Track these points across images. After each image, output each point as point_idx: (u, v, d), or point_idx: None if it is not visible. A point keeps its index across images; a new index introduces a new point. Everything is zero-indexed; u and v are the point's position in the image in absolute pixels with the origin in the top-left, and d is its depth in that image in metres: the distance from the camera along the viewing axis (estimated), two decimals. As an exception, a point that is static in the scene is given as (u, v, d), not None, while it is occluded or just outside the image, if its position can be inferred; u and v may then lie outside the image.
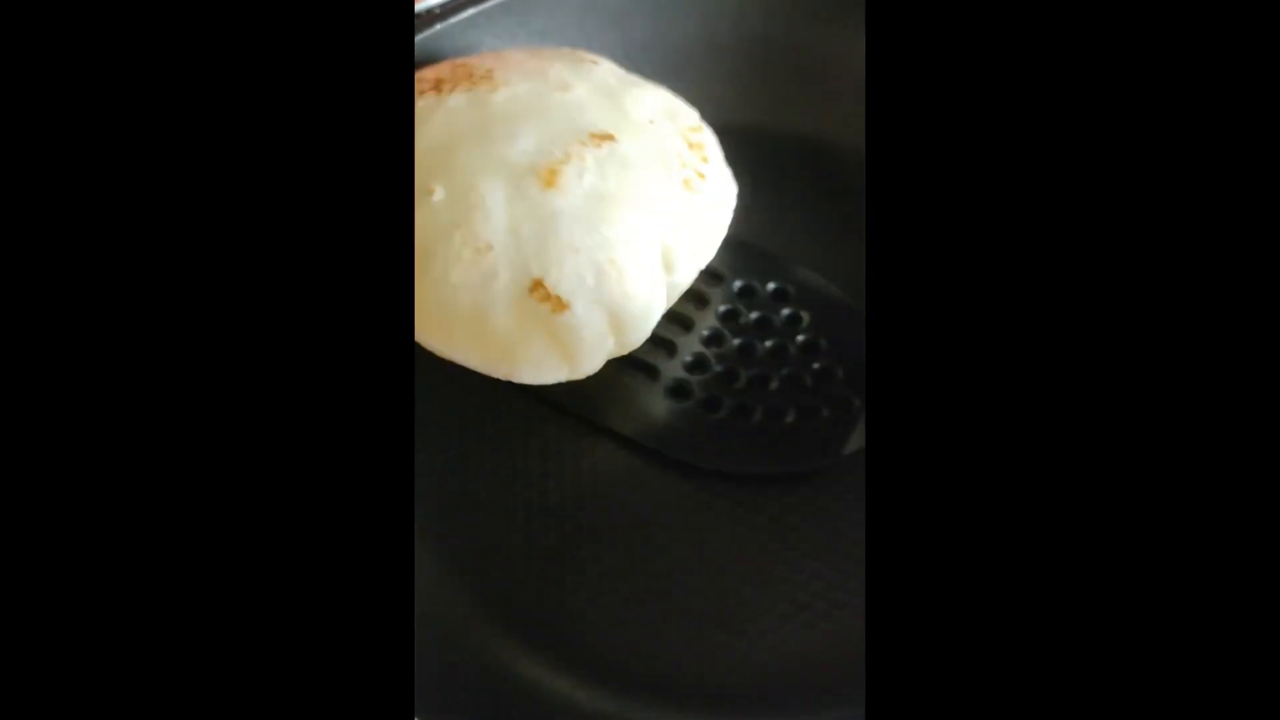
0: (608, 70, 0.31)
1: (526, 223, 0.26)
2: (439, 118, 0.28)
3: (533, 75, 0.29)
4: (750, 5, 0.37)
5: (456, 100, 0.28)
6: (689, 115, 0.31)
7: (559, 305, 0.26)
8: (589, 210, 0.26)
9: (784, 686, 0.28)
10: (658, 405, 0.31)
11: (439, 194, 0.26)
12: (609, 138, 0.27)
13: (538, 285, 0.26)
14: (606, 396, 0.31)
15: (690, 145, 0.30)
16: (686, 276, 0.28)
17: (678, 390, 0.31)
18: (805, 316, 0.33)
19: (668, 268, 0.28)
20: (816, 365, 0.32)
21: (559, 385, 0.27)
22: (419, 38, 0.33)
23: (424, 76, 0.30)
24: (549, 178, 0.26)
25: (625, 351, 0.28)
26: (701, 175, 0.29)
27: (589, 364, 0.27)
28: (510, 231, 0.26)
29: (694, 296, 0.32)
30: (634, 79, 0.31)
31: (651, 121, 0.29)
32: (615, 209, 0.26)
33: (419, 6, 0.35)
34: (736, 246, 0.32)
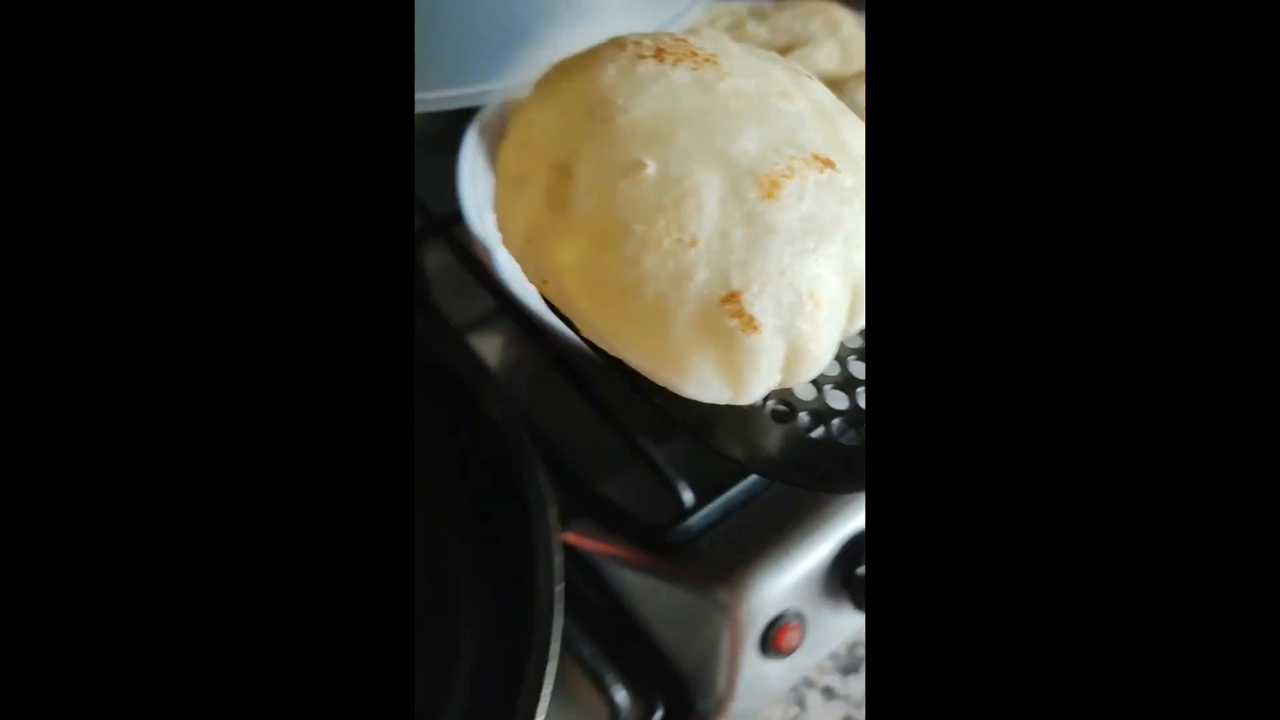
0: (821, 90, 0.29)
1: (739, 228, 0.24)
2: (660, 89, 0.26)
3: (757, 73, 0.27)
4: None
5: (680, 76, 0.26)
6: None
7: (749, 325, 0.24)
8: (802, 234, 0.25)
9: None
10: (766, 428, 0.28)
11: (651, 169, 0.24)
12: (830, 164, 0.26)
13: (733, 298, 0.24)
14: (713, 414, 0.28)
15: None
16: (858, 326, 0.27)
17: (781, 414, 0.29)
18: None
19: (850, 314, 0.27)
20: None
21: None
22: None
23: (640, 41, 0.28)
24: (770, 188, 0.25)
25: (785, 387, 0.26)
26: None
27: (754, 394, 0.25)
28: (719, 233, 0.24)
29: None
30: (843, 106, 0.30)
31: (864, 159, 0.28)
32: (827, 242, 0.25)
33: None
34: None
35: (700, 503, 0.37)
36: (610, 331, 0.25)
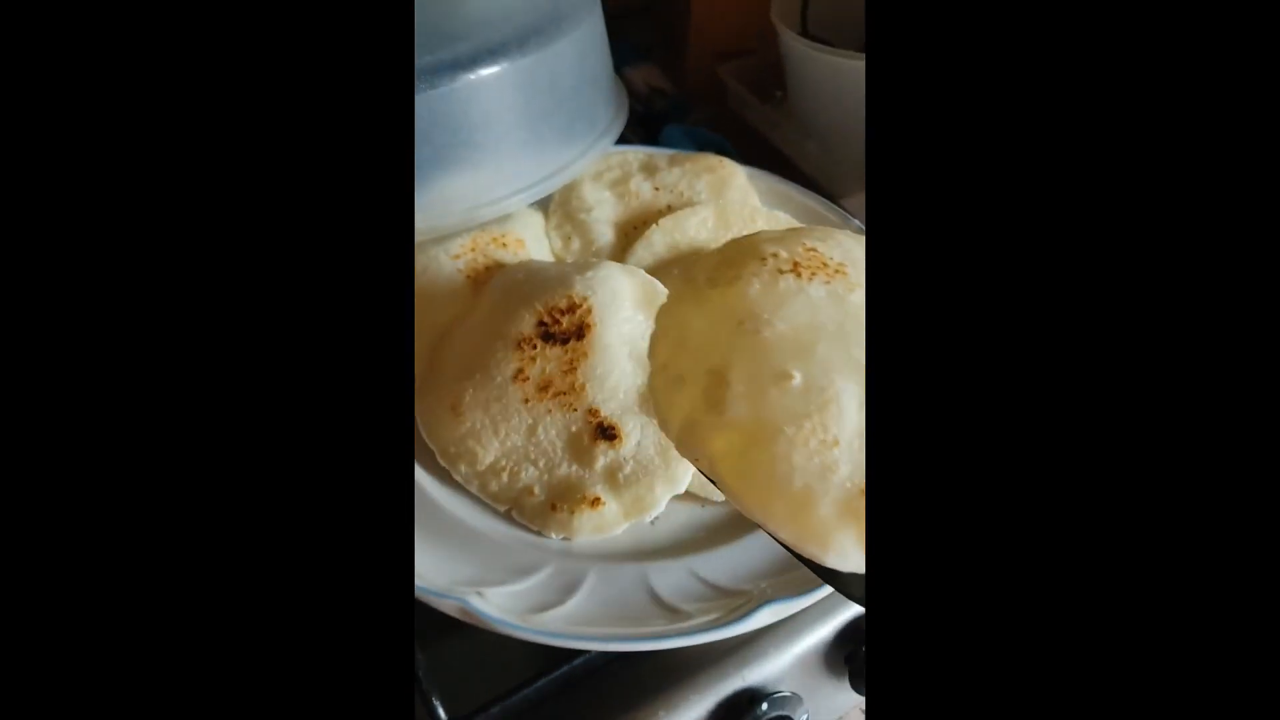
0: None
1: None
2: (800, 304, 0.30)
3: None
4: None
5: (817, 291, 0.31)
6: None
7: None
8: None
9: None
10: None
11: (797, 379, 0.29)
12: None
13: (863, 492, 0.27)
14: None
15: None
16: None
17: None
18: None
19: None
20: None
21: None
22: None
23: (778, 254, 0.33)
24: None
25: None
26: None
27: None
28: (858, 434, 0.28)
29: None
30: None
31: None
32: None
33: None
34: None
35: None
36: (759, 511, 0.28)
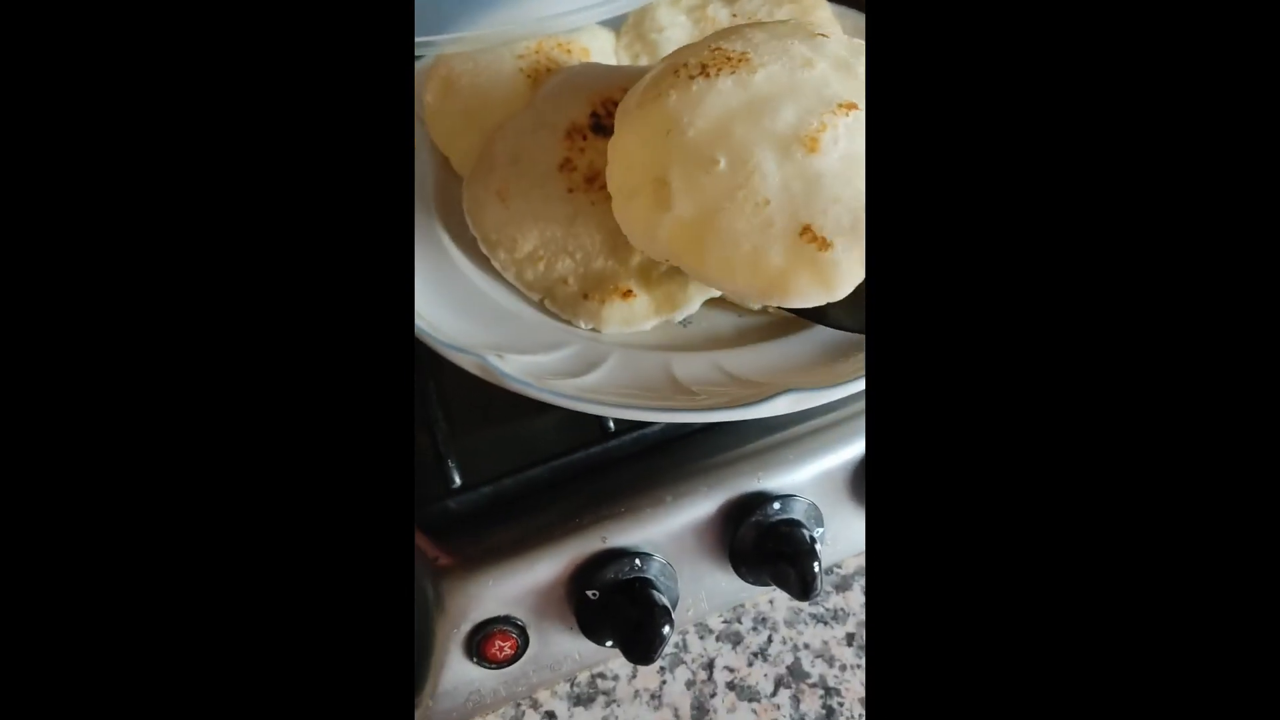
0: (837, 43, 0.37)
1: (796, 181, 0.33)
2: (711, 99, 0.34)
3: (780, 54, 0.36)
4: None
5: (724, 84, 0.35)
6: None
7: (824, 244, 0.33)
8: (845, 168, 0.34)
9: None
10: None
11: (722, 164, 0.33)
12: (853, 106, 0.35)
13: (806, 229, 0.33)
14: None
15: None
16: None
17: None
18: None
19: None
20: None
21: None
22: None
23: (688, 61, 0.36)
24: (811, 145, 0.34)
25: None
26: None
27: (844, 290, 0.33)
28: (783, 189, 0.33)
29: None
30: (858, 44, 0.38)
31: None
32: (862, 165, 0.33)
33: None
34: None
35: (465, 487, 0.38)
36: (724, 282, 0.34)
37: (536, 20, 0.48)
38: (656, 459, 0.40)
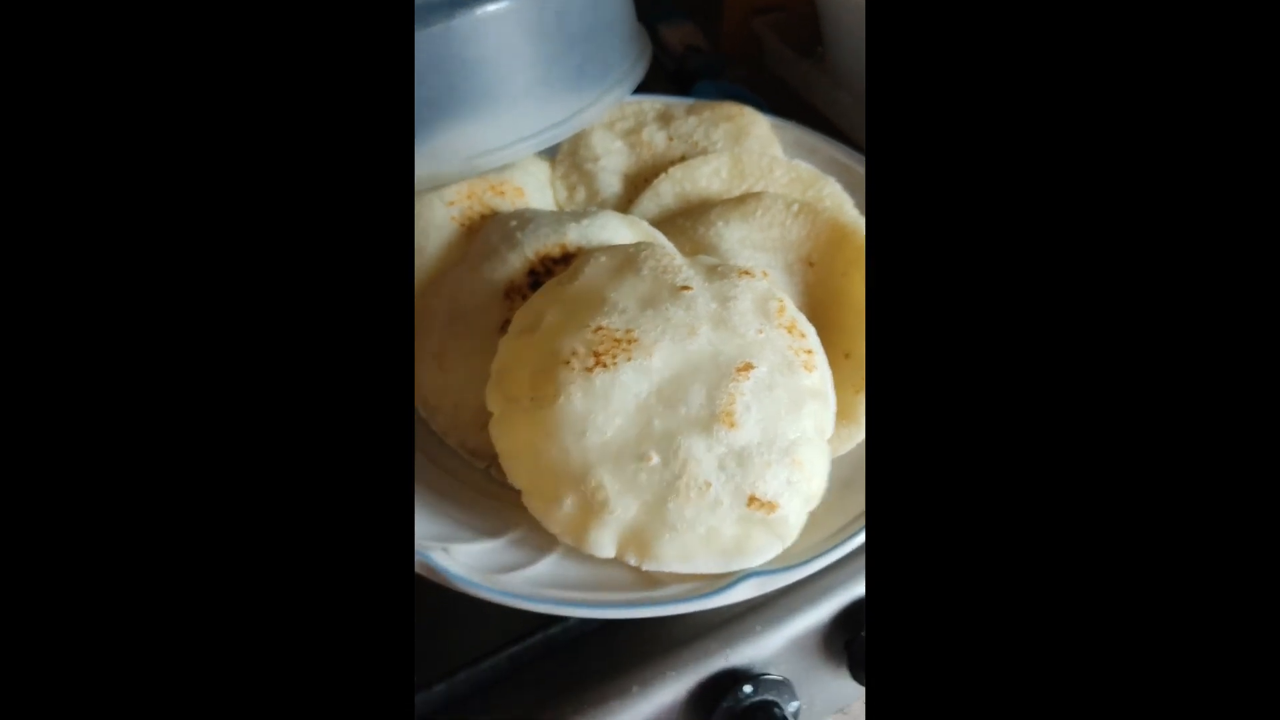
0: (699, 292, 0.38)
1: (729, 460, 0.34)
2: (619, 394, 0.34)
3: (661, 325, 0.36)
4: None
5: (626, 374, 0.35)
6: (767, 294, 0.38)
7: (771, 507, 0.34)
8: (767, 433, 0.35)
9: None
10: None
11: (654, 459, 0.34)
12: (749, 367, 0.36)
13: (752, 500, 0.34)
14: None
15: (790, 330, 0.38)
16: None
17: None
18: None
19: (825, 433, 0.37)
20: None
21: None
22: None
23: (577, 350, 0.35)
24: (729, 421, 0.35)
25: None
26: (809, 351, 0.38)
27: (795, 535, 0.35)
28: (719, 468, 0.34)
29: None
30: (720, 281, 0.38)
31: (760, 331, 0.37)
32: (782, 422, 0.35)
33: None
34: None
35: (419, 686, 0.37)
36: (679, 562, 0.34)
37: (467, 159, 0.46)
38: (620, 638, 0.38)
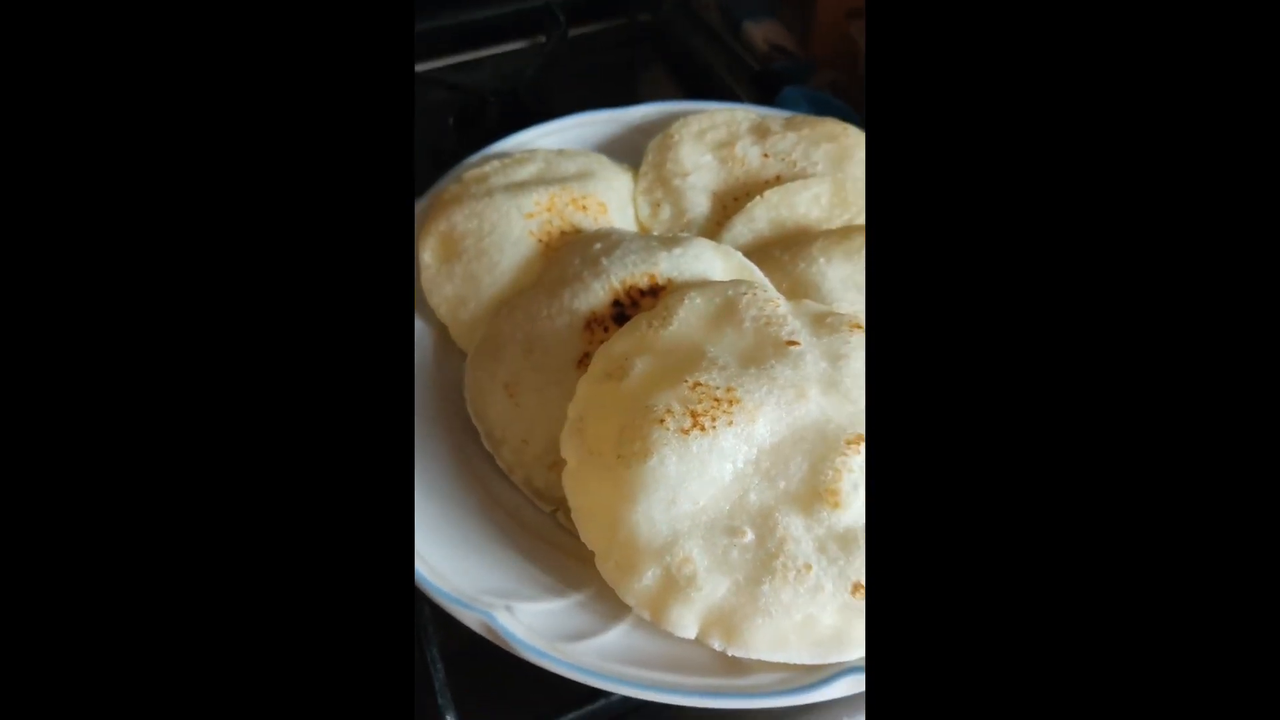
0: (808, 348, 0.34)
1: (831, 542, 0.30)
2: (716, 462, 0.31)
3: (766, 384, 0.32)
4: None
5: (726, 439, 0.31)
6: None
7: None
8: None
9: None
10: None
11: (749, 535, 0.30)
12: (859, 439, 0.32)
13: (857, 588, 0.30)
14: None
15: None
16: None
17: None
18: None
19: None
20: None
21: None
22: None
23: (672, 408, 0.32)
24: (833, 500, 0.31)
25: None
26: None
27: None
28: (820, 551, 0.30)
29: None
30: (830, 336, 0.35)
31: None
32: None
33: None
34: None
35: None
36: (772, 650, 0.30)
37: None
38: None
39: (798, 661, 0.30)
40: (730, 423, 0.31)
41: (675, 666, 0.32)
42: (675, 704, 0.31)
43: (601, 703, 0.35)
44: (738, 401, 0.31)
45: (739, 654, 0.30)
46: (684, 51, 0.73)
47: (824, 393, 0.32)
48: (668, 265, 0.38)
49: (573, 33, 0.70)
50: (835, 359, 0.33)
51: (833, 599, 0.30)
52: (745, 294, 0.35)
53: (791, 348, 0.33)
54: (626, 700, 0.34)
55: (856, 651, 0.30)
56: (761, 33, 0.71)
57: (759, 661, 0.31)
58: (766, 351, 0.33)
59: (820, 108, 0.62)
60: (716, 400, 0.31)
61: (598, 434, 0.33)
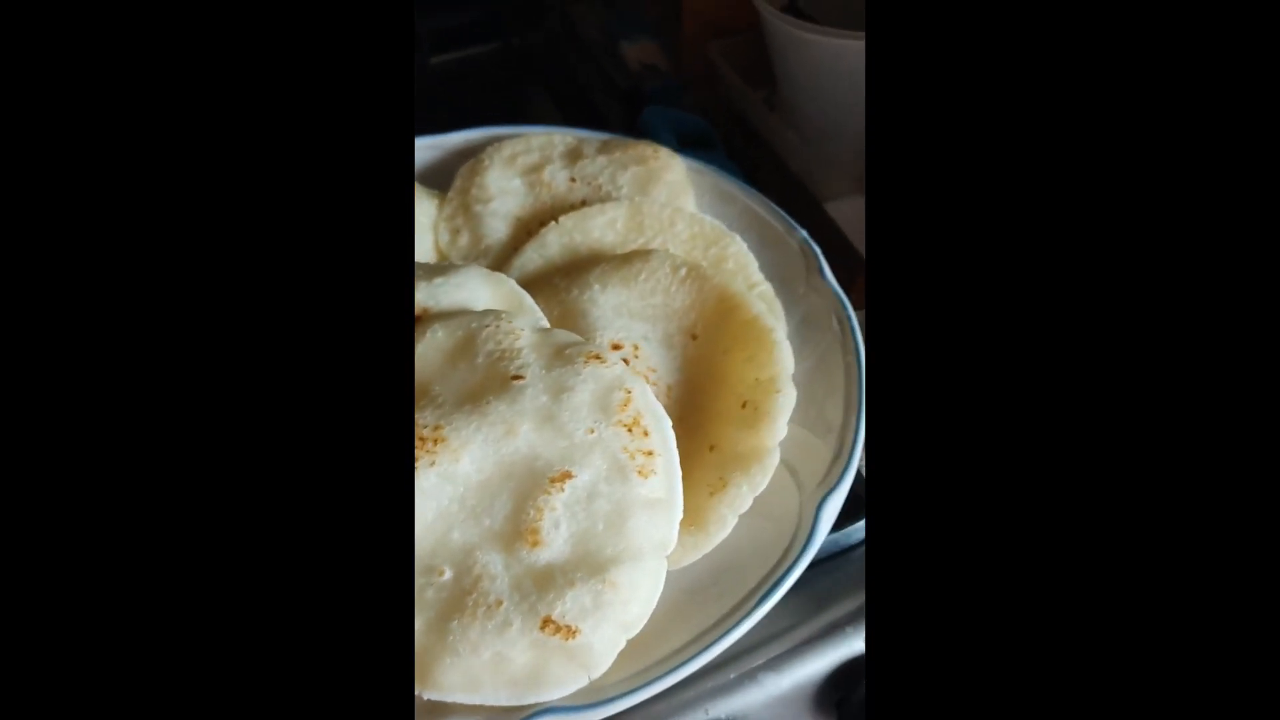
0: (532, 382, 0.33)
1: (528, 579, 0.30)
2: (421, 502, 0.31)
3: (476, 422, 0.32)
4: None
5: (428, 479, 0.31)
6: (614, 383, 0.33)
7: (570, 632, 0.29)
8: (578, 550, 0.31)
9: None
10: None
11: (447, 574, 0.30)
12: (567, 476, 0.31)
13: (547, 621, 0.29)
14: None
15: (630, 428, 0.33)
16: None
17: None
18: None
19: (662, 547, 0.32)
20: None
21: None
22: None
23: None
24: (533, 539, 0.31)
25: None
26: (649, 453, 0.33)
27: (607, 663, 0.30)
28: (514, 588, 0.30)
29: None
30: (561, 368, 0.34)
31: (591, 431, 0.32)
32: (598, 539, 0.31)
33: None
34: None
35: None
36: (474, 694, 0.29)
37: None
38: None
39: (494, 703, 0.30)
40: (433, 463, 0.31)
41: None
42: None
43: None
44: (443, 440, 0.31)
45: (433, 696, 0.29)
46: (564, 73, 0.73)
47: (537, 428, 0.32)
48: (424, 295, 0.37)
49: (445, 57, 0.71)
50: (558, 393, 0.33)
51: (521, 635, 0.29)
52: (488, 326, 0.35)
53: (515, 382, 0.33)
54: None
55: (554, 691, 0.30)
56: (635, 53, 0.71)
57: (457, 704, 0.30)
58: (490, 387, 0.33)
59: (678, 126, 0.61)
60: (422, 440, 0.31)
61: None
